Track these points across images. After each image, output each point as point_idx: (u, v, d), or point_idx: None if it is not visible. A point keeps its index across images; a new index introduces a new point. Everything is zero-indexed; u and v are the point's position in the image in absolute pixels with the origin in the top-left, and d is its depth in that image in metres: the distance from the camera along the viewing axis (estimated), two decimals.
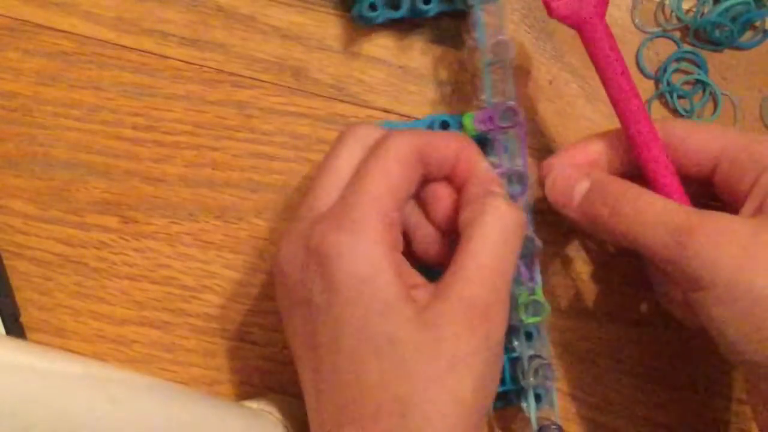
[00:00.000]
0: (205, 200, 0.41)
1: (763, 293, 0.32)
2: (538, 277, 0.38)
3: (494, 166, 0.37)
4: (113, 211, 0.41)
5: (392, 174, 0.33)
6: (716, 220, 0.33)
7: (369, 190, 0.33)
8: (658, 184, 0.37)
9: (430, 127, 0.40)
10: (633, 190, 0.36)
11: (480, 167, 0.35)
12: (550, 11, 0.36)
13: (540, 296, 0.38)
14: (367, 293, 0.32)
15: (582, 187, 0.37)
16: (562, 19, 0.36)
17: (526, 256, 0.38)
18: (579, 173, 0.37)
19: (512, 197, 0.37)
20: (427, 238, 0.36)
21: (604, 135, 0.39)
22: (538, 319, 0.38)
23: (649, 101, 0.43)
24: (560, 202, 0.38)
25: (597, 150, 0.38)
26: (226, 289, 0.41)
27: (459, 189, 0.36)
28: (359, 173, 0.34)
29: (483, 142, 0.38)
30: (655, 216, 0.34)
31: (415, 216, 0.36)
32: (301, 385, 0.34)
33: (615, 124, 0.38)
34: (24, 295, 0.40)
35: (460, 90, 0.42)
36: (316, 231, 0.33)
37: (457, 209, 0.35)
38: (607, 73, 0.36)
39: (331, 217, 0.33)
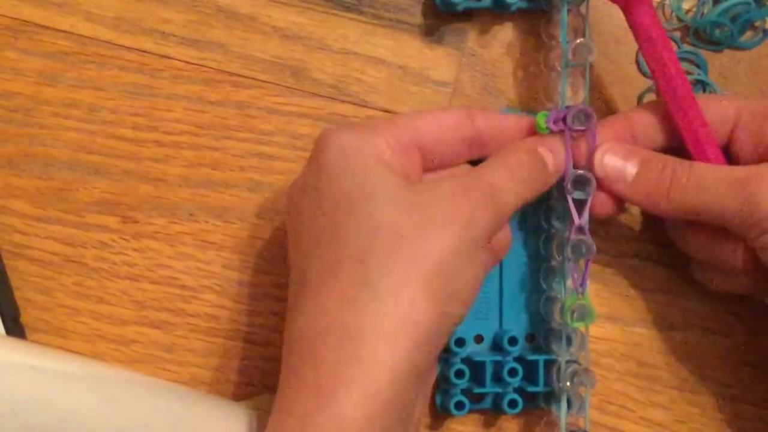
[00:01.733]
0: (205, 200, 0.41)
1: None
2: (587, 282, 0.38)
3: None
4: (113, 211, 0.41)
5: (425, 121, 0.35)
6: None
7: (392, 119, 0.35)
8: (701, 155, 0.38)
9: None
10: (684, 162, 0.37)
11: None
12: None
13: (588, 301, 0.37)
14: (350, 165, 0.33)
15: (632, 166, 0.38)
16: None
17: (579, 259, 0.38)
18: (626, 151, 0.38)
19: (575, 202, 0.37)
20: None
21: (643, 107, 0.40)
22: (583, 323, 0.38)
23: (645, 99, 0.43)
24: (612, 180, 0.38)
25: (638, 122, 0.39)
26: (226, 289, 0.41)
27: None
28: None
29: None
30: (715, 178, 0.36)
31: None
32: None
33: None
34: (24, 295, 0.40)
35: (460, 90, 0.42)
36: (322, 131, 0.35)
37: None
38: (651, 50, 0.37)
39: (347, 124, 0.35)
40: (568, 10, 0.38)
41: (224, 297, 0.41)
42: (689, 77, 0.43)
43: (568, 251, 0.37)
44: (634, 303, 0.42)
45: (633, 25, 0.37)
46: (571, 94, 0.39)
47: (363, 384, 0.30)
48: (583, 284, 0.37)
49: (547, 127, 0.37)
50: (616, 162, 0.38)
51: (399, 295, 0.31)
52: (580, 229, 0.37)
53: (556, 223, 0.39)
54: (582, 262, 0.38)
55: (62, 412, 0.31)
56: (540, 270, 0.41)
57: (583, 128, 0.37)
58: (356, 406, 0.29)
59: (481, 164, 0.36)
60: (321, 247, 0.32)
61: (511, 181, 0.35)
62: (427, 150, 0.35)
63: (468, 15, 0.42)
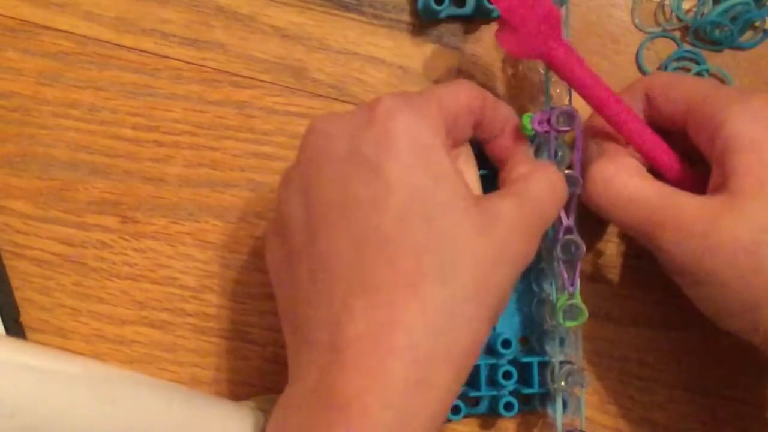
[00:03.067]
0: (205, 200, 0.41)
1: (725, 280, 0.33)
2: (578, 282, 0.38)
3: None
4: (113, 211, 0.41)
5: (457, 101, 0.34)
6: (677, 212, 0.34)
7: (435, 93, 0.33)
8: (644, 155, 0.37)
9: None
10: (618, 177, 0.36)
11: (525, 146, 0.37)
12: (510, 52, 0.36)
13: (579, 301, 0.37)
14: (424, 162, 0.31)
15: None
16: (519, 56, 0.36)
17: (569, 260, 0.38)
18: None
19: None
20: None
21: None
22: (575, 323, 0.38)
23: None
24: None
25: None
26: (226, 289, 0.41)
27: (497, 157, 0.37)
28: (430, 88, 0.34)
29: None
30: (627, 205, 0.36)
31: None
32: (275, 270, 0.33)
33: None
34: (24, 295, 0.40)
35: None
36: (380, 99, 0.32)
37: None
38: (580, 88, 0.37)
39: (398, 95, 0.32)
40: None
41: (224, 297, 0.41)
42: (690, 67, 0.43)
43: (558, 252, 0.37)
44: (633, 303, 0.42)
45: (553, 69, 0.37)
46: (557, 95, 0.38)
47: (432, 409, 0.29)
48: (573, 284, 0.38)
49: (532, 128, 0.37)
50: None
51: (472, 326, 0.30)
52: (569, 230, 0.37)
53: None
54: (572, 262, 0.38)
55: (62, 413, 0.31)
56: (531, 272, 0.40)
57: (567, 129, 0.37)
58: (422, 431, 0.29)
59: (526, 183, 0.34)
60: (387, 247, 0.30)
61: (555, 204, 0.35)
62: (453, 130, 0.34)
63: (467, 16, 0.42)
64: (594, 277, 0.42)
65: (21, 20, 0.41)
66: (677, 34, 0.43)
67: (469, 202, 0.31)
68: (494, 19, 0.42)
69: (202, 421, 0.35)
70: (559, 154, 0.37)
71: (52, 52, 0.41)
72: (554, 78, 0.38)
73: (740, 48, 0.43)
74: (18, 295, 0.40)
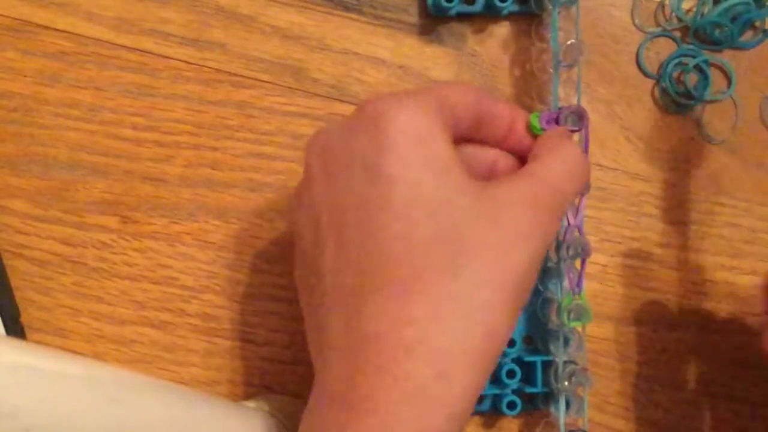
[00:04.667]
0: (205, 200, 0.41)
1: None
2: (583, 282, 0.38)
3: None
4: (113, 211, 0.41)
5: (451, 95, 0.33)
6: None
7: (430, 87, 0.33)
8: None
9: None
10: None
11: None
12: None
13: (584, 301, 0.37)
14: (423, 154, 0.31)
15: None
16: None
17: (576, 259, 0.38)
18: None
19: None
20: None
21: None
22: (580, 323, 0.38)
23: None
24: None
25: None
26: (226, 289, 0.41)
27: (517, 152, 0.36)
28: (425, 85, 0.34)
29: None
30: None
31: None
32: (300, 282, 0.33)
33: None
34: (24, 295, 0.40)
35: None
36: (369, 99, 0.32)
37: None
38: None
39: (390, 93, 0.32)
40: (559, 12, 0.38)
41: (224, 297, 0.41)
42: (690, 62, 0.42)
43: (565, 252, 0.37)
44: (633, 303, 0.42)
45: None
46: (564, 95, 0.38)
47: (451, 405, 0.29)
48: (579, 284, 0.37)
49: (541, 128, 0.37)
50: None
51: (487, 315, 0.30)
52: (576, 230, 0.37)
53: None
54: (578, 262, 0.38)
55: (62, 413, 0.31)
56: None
57: (576, 129, 0.37)
58: (443, 428, 0.29)
59: (539, 163, 0.34)
60: (393, 243, 0.30)
61: (572, 180, 0.34)
62: (453, 125, 0.34)
63: (466, 15, 0.42)
64: (593, 277, 0.42)
65: (21, 20, 0.41)
66: (677, 34, 0.43)
67: (473, 192, 0.31)
68: (503, 18, 0.42)
69: (203, 421, 0.35)
70: None
71: (52, 52, 0.41)
72: (563, 77, 0.38)
73: (740, 48, 0.43)
74: (18, 295, 0.40)
